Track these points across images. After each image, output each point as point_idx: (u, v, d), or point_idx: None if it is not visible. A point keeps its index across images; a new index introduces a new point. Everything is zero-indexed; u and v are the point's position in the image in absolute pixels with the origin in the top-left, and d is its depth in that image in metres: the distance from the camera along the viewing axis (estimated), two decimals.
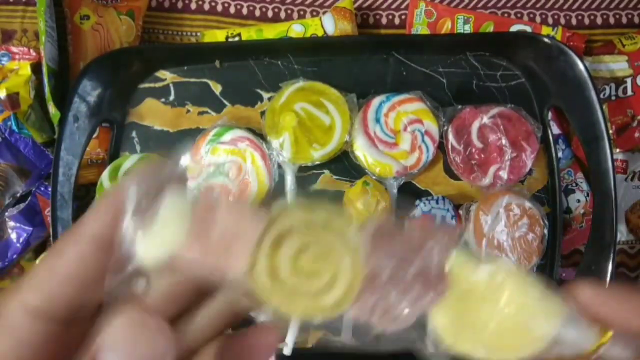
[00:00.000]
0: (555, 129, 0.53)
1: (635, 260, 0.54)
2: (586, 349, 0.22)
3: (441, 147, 0.50)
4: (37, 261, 0.50)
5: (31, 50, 0.54)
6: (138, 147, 0.52)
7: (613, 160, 0.46)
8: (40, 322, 0.17)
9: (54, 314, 0.17)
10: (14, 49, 0.54)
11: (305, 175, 0.52)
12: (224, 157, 0.50)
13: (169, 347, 0.16)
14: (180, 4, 0.58)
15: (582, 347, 0.22)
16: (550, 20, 0.58)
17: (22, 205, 0.51)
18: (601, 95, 0.53)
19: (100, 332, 0.16)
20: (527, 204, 0.48)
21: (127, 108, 0.53)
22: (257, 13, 0.58)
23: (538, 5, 0.58)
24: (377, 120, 0.50)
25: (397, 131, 0.50)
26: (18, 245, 0.51)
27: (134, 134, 0.53)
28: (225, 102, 0.53)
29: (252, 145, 0.50)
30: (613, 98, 0.54)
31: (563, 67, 0.49)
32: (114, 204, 0.18)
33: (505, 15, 0.58)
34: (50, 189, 0.48)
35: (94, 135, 0.51)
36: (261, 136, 0.51)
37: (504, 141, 0.49)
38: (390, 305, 0.21)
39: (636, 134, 0.53)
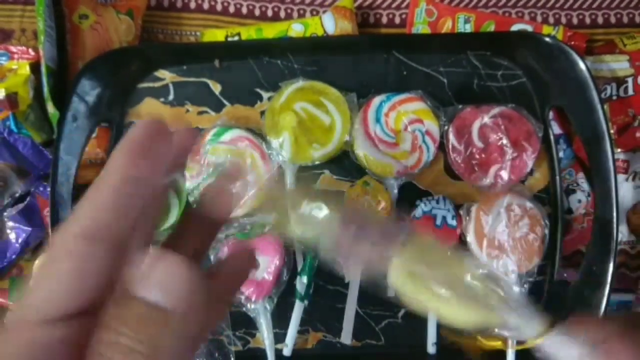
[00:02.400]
0: (556, 129, 0.53)
1: (636, 260, 0.54)
2: (529, 336, 0.26)
3: (442, 147, 0.50)
4: (36, 261, 0.50)
5: (30, 50, 0.54)
6: None
7: (614, 160, 0.46)
8: (93, 244, 0.18)
9: (101, 237, 0.18)
10: (13, 49, 0.54)
11: (305, 175, 0.51)
12: (223, 157, 0.49)
13: (200, 286, 0.18)
14: (179, 3, 0.58)
15: (526, 334, 0.26)
16: (551, 20, 0.58)
17: (21, 206, 0.51)
18: (602, 95, 0.53)
19: (131, 266, 0.18)
20: (528, 204, 0.47)
21: (126, 108, 0.53)
22: (257, 12, 0.58)
23: (539, 5, 0.58)
24: (378, 120, 0.50)
25: (398, 131, 0.50)
26: (17, 245, 0.50)
27: None
28: (225, 101, 0.53)
29: (251, 145, 0.50)
30: (614, 98, 0.54)
31: (564, 66, 0.49)
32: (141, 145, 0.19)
33: (506, 14, 0.58)
34: (49, 189, 0.48)
35: (93, 135, 0.51)
36: (261, 136, 0.51)
37: (504, 141, 0.48)
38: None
39: (637, 134, 0.52)
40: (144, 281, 0.17)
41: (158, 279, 0.17)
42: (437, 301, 0.31)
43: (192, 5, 0.58)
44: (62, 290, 0.18)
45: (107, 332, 0.17)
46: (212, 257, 0.49)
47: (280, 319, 0.49)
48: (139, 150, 0.20)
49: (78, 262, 0.18)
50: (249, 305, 0.48)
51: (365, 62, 0.52)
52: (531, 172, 0.51)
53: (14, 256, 0.50)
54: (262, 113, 0.51)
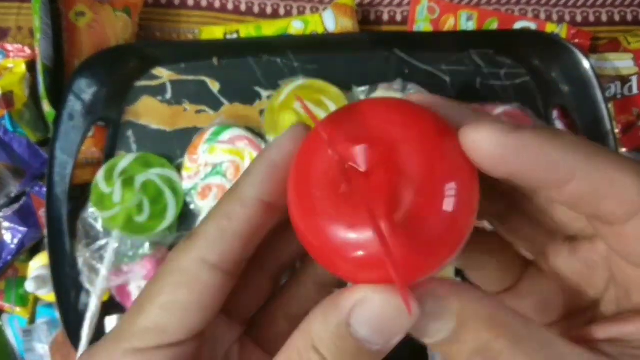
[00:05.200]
0: (560, 128, 0.53)
1: None
2: None
3: None
4: (31, 262, 0.50)
5: (26, 48, 0.53)
6: (134, 147, 0.52)
7: None
8: (217, 274, 0.18)
9: (227, 268, 0.19)
10: (9, 47, 0.53)
11: None
12: (222, 157, 0.49)
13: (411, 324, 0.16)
14: (177, 0, 0.58)
15: None
16: (555, 17, 0.57)
17: (16, 206, 0.50)
18: (606, 94, 0.52)
19: (346, 298, 0.16)
20: None
21: (123, 106, 0.52)
22: (256, 9, 0.57)
23: (542, 2, 0.57)
24: None
25: None
26: (12, 246, 0.50)
27: (130, 133, 0.52)
28: (224, 100, 0.52)
29: (251, 145, 0.49)
30: (618, 96, 0.53)
31: (568, 64, 0.48)
32: (275, 167, 0.19)
33: (509, 12, 0.57)
34: (44, 189, 0.48)
35: (89, 135, 0.51)
36: (260, 135, 0.50)
37: None
38: None
39: None
40: (360, 315, 0.16)
41: (375, 317, 0.16)
42: None
43: (190, 2, 0.58)
44: (174, 322, 0.18)
45: (303, 350, 0.16)
46: None
47: None
48: (283, 168, 0.19)
49: (201, 294, 0.18)
50: None
51: (367, 60, 0.52)
52: None
53: (9, 257, 0.50)
54: (262, 112, 0.51)
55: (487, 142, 0.15)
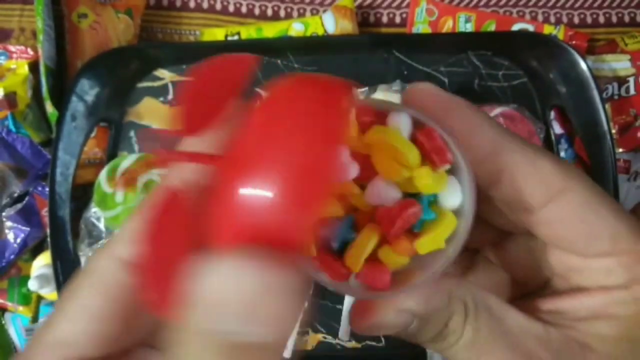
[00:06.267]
0: (557, 129, 0.53)
1: None
2: None
3: None
4: (34, 262, 0.50)
5: (29, 49, 0.53)
6: (136, 147, 0.52)
7: (615, 160, 0.46)
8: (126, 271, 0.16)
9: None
10: (12, 48, 0.54)
11: None
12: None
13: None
14: (178, 2, 0.58)
15: None
16: (552, 19, 0.58)
17: (19, 206, 0.51)
18: (604, 95, 0.53)
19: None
20: None
21: (125, 107, 0.52)
22: (257, 11, 0.58)
23: (540, 4, 0.58)
24: None
25: None
26: (15, 245, 0.50)
27: (132, 133, 0.52)
28: None
29: None
30: (616, 97, 0.53)
31: (565, 66, 0.49)
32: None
33: (507, 13, 0.58)
34: (47, 189, 0.48)
35: (92, 135, 0.51)
36: None
37: None
38: None
39: (639, 134, 0.52)
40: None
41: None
42: None
43: (192, 4, 0.58)
44: (80, 332, 0.15)
45: None
46: None
47: None
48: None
49: (116, 298, 0.15)
50: None
51: (366, 61, 0.52)
52: None
53: (12, 256, 0.50)
54: None
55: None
